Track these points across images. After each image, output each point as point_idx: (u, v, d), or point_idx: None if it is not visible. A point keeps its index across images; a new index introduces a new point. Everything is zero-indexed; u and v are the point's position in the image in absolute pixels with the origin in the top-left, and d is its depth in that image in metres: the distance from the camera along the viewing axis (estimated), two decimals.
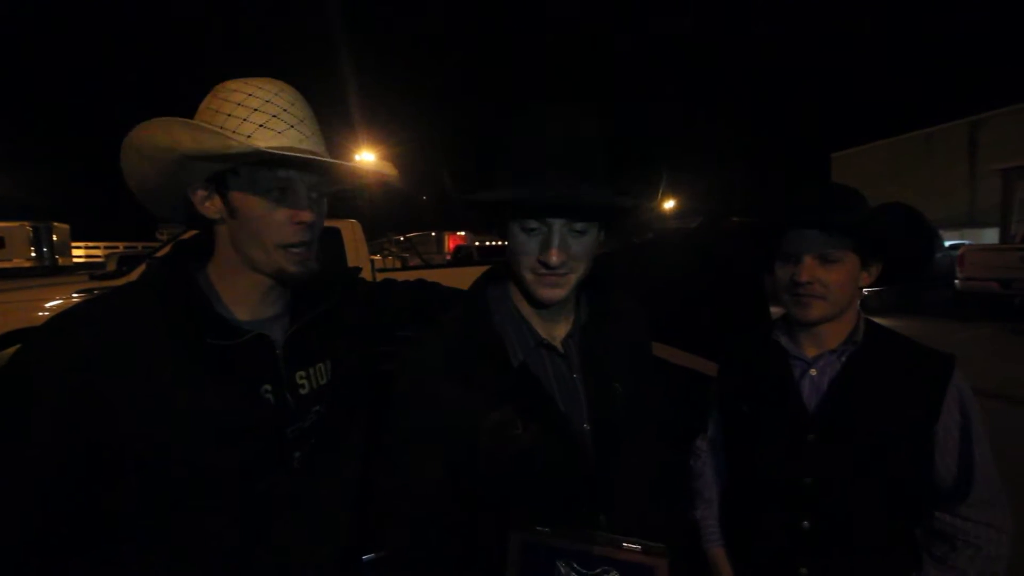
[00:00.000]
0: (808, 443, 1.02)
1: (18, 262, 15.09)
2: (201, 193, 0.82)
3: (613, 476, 0.89)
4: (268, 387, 0.84)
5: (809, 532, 1.01)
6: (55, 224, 16.68)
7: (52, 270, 14.85)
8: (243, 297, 0.87)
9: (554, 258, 0.82)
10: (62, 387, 0.71)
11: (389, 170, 0.97)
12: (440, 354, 0.89)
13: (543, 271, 0.84)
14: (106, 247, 20.34)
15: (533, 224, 0.83)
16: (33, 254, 15.77)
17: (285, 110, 0.82)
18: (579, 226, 0.84)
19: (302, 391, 0.89)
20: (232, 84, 0.82)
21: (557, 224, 0.83)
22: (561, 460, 0.86)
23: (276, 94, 0.82)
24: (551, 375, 0.90)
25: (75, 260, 18.98)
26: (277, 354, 0.87)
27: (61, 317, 0.76)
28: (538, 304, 0.90)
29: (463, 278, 1.11)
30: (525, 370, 0.88)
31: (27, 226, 15.77)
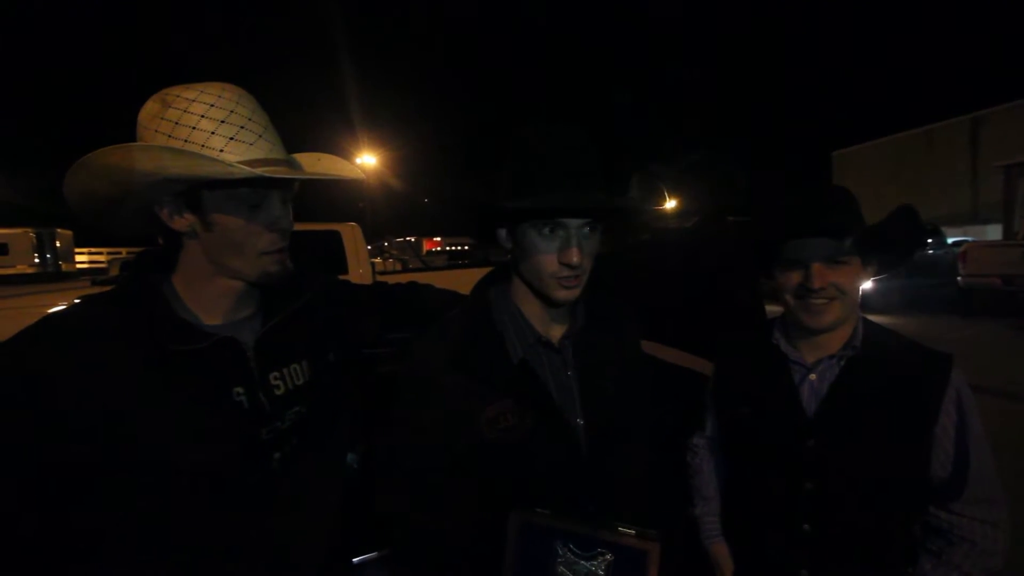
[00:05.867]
0: (808, 448, 1.01)
1: (21, 268, 15.15)
2: (168, 209, 0.81)
3: (603, 468, 0.95)
4: (240, 390, 0.85)
5: (810, 535, 1.01)
6: (58, 230, 16.73)
7: (55, 276, 14.91)
8: (213, 303, 0.87)
9: (575, 258, 0.88)
10: (24, 400, 0.71)
11: (358, 173, 0.98)
12: (443, 350, 0.94)
13: (565, 272, 0.89)
14: (109, 253, 20.41)
15: (550, 228, 0.89)
16: (36, 260, 15.82)
17: (250, 119, 0.82)
18: (588, 229, 0.91)
19: (277, 392, 0.89)
20: (187, 93, 0.79)
21: (574, 227, 0.89)
22: (555, 450, 0.93)
23: (237, 103, 0.82)
24: (547, 371, 0.96)
25: (78, 266, 19.05)
26: (248, 356, 0.87)
27: (26, 330, 0.76)
28: (553, 304, 0.95)
29: (459, 279, 1.13)
30: (525, 365, 0.94)
31: (30, 232, 15.82)
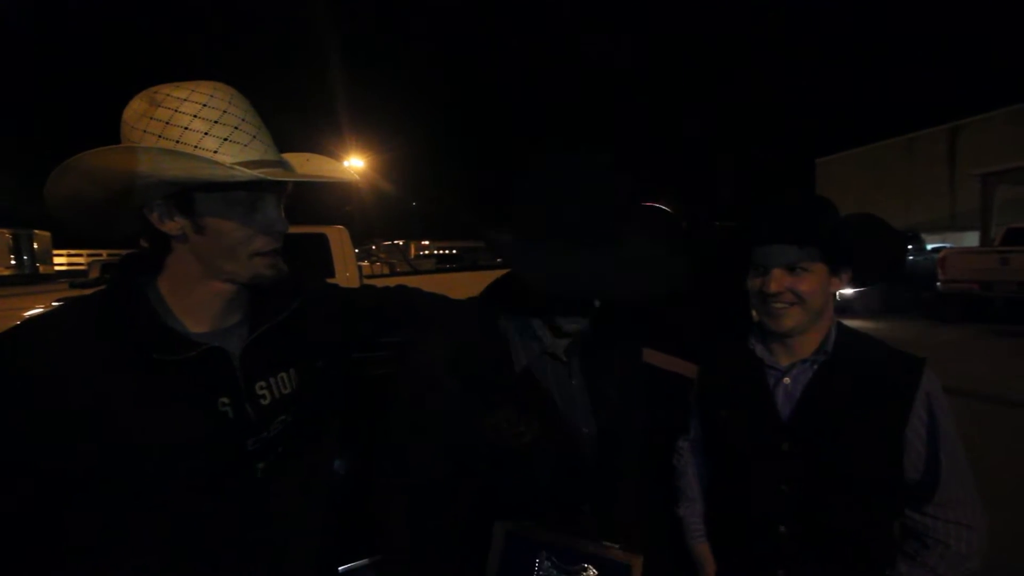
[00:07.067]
0: (783, 451, 1.04)
1: None
2: (159, 212, 0.78)
3: (606, 475, 0.96)
4: (226, 400, 0.83)
5: (786, 536, 1.03)
6: (36, 231, 16.39)
7: (33, 278, 14.58)
8: (201, 309, 0.84)
9: None
10: (2, 404, 0.69)
11: (352, 175, 0.97)
12: (445, 355, 0.94)
13: None
14: (89, 255, 20.01)
15: None
16: (13, 262, 15.46)
17: (243, 119, 0.80)
18: None
19: (263, 402, 0.87)
20: (177, 91, 0.77)
21: None
22: (558, 458, 0.93)
23: (230, 103, 0.79)
24: (552, 380, 0.97)
25: (57, 268, 18.65)
26: (234, 366, 0.85)
27: (3, 334, 0.73)
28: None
29: (452, 283, 1.13)
30: (528, 374, 0.95)
31: (7, 233, 15.46)
